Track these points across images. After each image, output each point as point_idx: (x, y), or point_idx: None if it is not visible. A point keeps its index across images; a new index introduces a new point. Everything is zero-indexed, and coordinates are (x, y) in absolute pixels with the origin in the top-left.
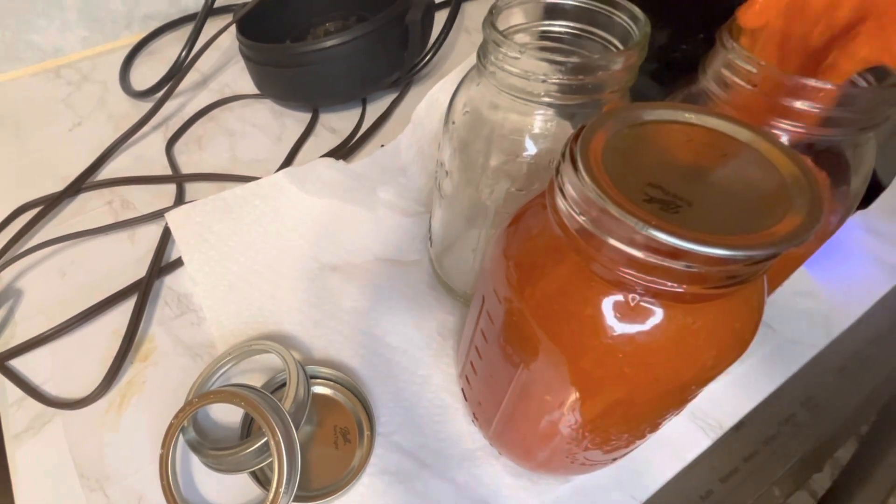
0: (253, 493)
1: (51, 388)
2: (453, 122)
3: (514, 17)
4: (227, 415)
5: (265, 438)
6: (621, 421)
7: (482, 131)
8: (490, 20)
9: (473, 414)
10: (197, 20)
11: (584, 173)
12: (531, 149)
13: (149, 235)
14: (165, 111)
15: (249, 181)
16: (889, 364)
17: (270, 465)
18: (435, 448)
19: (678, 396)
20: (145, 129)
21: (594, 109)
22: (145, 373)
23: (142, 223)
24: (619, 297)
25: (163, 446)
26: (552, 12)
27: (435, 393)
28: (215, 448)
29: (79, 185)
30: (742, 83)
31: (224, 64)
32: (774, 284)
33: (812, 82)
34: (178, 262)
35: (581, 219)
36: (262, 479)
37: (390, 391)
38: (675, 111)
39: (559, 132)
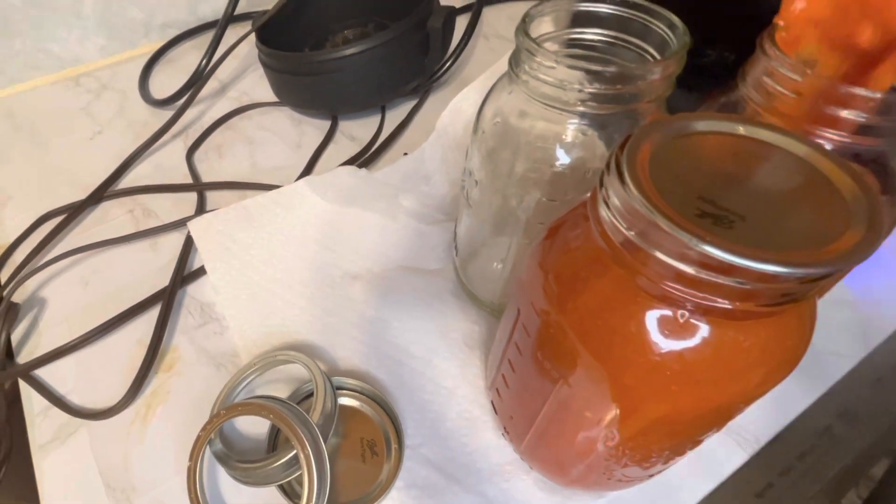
0: None
1: (76, 398)
2: (483, 131)
3: (547, 25)
4: (253, 426)
5: (294, 451)
6: (663, 438)
7: (513, 140)
8: (523, 28)
9: (504, 427)
10: (217, 28)
11: (631, 185)
12: (563, 158)
13: (171, 244)
14: (185, 119)
15: (270, 189)
16: None
17: (299, 479)
18: (464, 462)
19: (724, 414)
20: (165, 137)
21: (628, 119)
22: (170, 383)
23: (164, 232)
24: (667, 313)
25: (190, 459)
26: (586, 20)
27: (462, 405)
28: (243, 461)
29: (100, 194)
30: (785, 91)
31: (243, 71)
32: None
33: (859, 91)
34: (201, 271)
35: (628, 232)
36: (290, 493)
37: (416, 403)
38: (723, 122)
39: (591, 142)
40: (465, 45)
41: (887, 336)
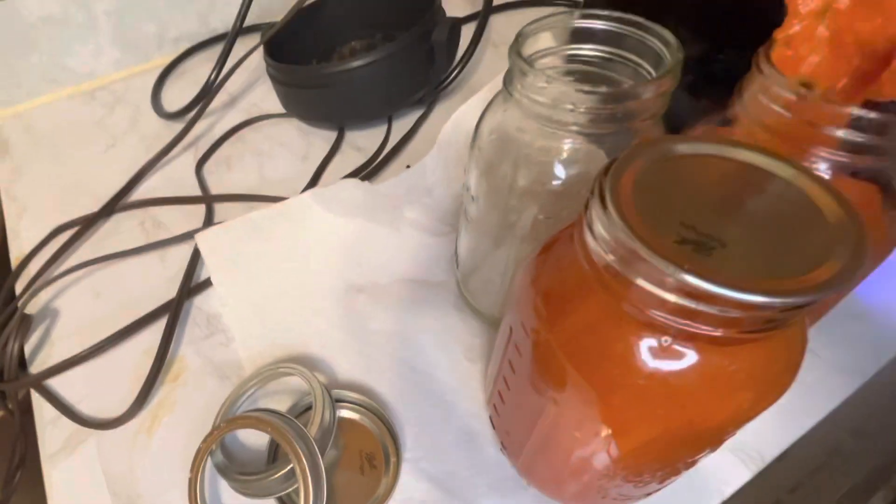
0: None
1: (85, 408)
2: (479, 148)
3: (542, 42)
4: (254, 437)
5: (291, 465)
6: (655, 459)
7: (509, 156)
8: (515, 48)
9: (502, 443)
10: (225, 44)
11: (612, 211)
12: (559, 175)
13: (179, 255)
14: (195, 131)
15: (276, 201)
16: None
17: (297, 491)
18: (463, 476)
19: (714, 437)
20: (176, 149)
21: (626, 135)
22: (175, 393)
23: (172, 244)
24: (651, 338)
25: (191, 470)
26: (581, 36)
27: (462, 419)
28: (242, 472)
29: (112, 206)
30: (780, 110)
31: (252, 83)
32: (823, 311)
33: (856, 111)
34: (208, 283)
35: (609, 257)
36: None
37: (416, 416)
38: (709, 144)
39: (588, 158)
40: (471, 55)
41: None
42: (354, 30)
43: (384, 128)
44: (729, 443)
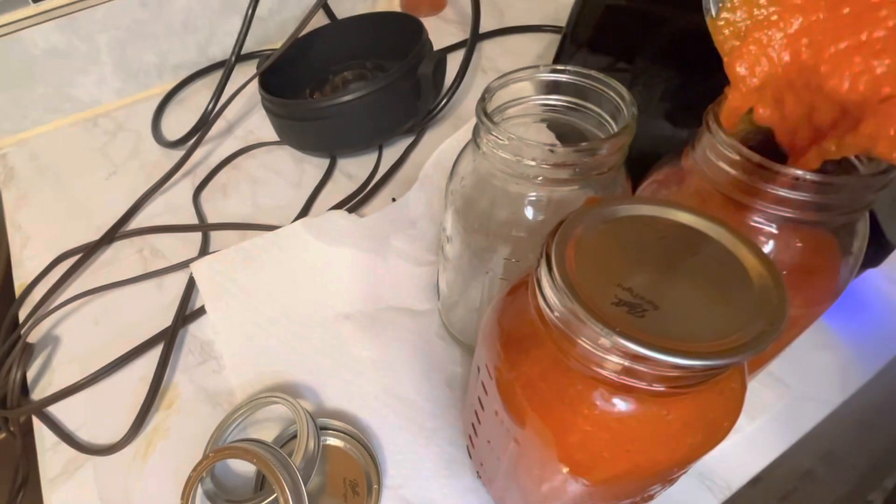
0: None
1: (84, 434)
2: (452, 192)
3: (516, 91)
4: (243, 465)
5: (276, 494)
6: (610, 496)
7: (480, 201)
8: (482, 105)
9: (477, 472)
10: (222, 76)
11: (556, 273)
12: (528, 219)
13: (176, 282)
14: (193, 159)
15: (269, 229)
16: None
17: None
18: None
19: (662, 477)
20: (175, 177)
21: (590, 183)
22: (170, 420)
23: (169, 272)
24: (595, 389)
25: (182, 498)
26: (550, 86)
27: (442, 447)
28: (230, 500)
29: (113, 234)
30: (727, 168)
31: (248, 111)
32: (784, 343)
33: (793, 171)
34: (202, 310)
35: (554, 316)
36: None
37: (398, 443)
38: (648, 206)
39: (555, 204)
40: (458, 86)
41: (868, 380)
42: (346, 59)
43: (375, 155)
44: (697, 471)
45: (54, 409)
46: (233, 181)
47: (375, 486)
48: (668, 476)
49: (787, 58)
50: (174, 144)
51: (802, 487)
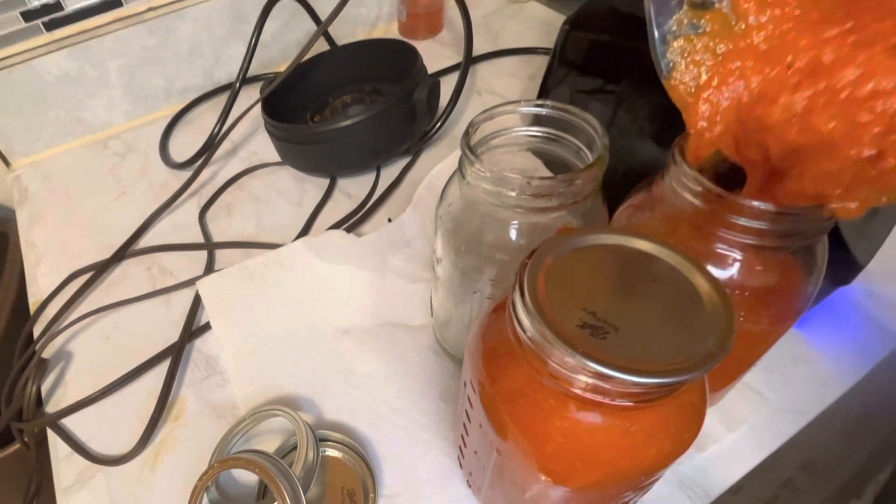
0: None
1: (95, 445)
2: (440, 216)
3: (499, 125)
4: (246, 474)
5: (277, 503)
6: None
7: (467, 225)
8: (466, 140)
9: (468, 481)
10: (227, 101)
11: (528, 298)
12: (512, 242)
13: (183, 299)
14: (200, 180)
15: (272, 248)
16: (891, 425)
17: None
18: None
19: (632, 484)
20: (182, 197)
21: (570, 210)
22: (177, 432)
23: (177, 289)
24: (566, 404)
25: None
26: (532, 118)
27: (435, 457)
28: None
29: (122, 253)
30: (691, 198)
31: (252, 132)
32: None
33: (752, 203)
34: (208, 326)
35: (527, 337)
36: None
37: (394, 454)
38: (612, 235)
39: (538, 228)
40: (452, 109)
41: (844, 391)
42: (345, 84)
43: (373, 175)
44: (677, 479)
45: (67, 422)
46: (237, 201)
47: (372, 496)
48: (637, 484)
49: (732, 104)
50: (181, 166)
51: (783, 496)
